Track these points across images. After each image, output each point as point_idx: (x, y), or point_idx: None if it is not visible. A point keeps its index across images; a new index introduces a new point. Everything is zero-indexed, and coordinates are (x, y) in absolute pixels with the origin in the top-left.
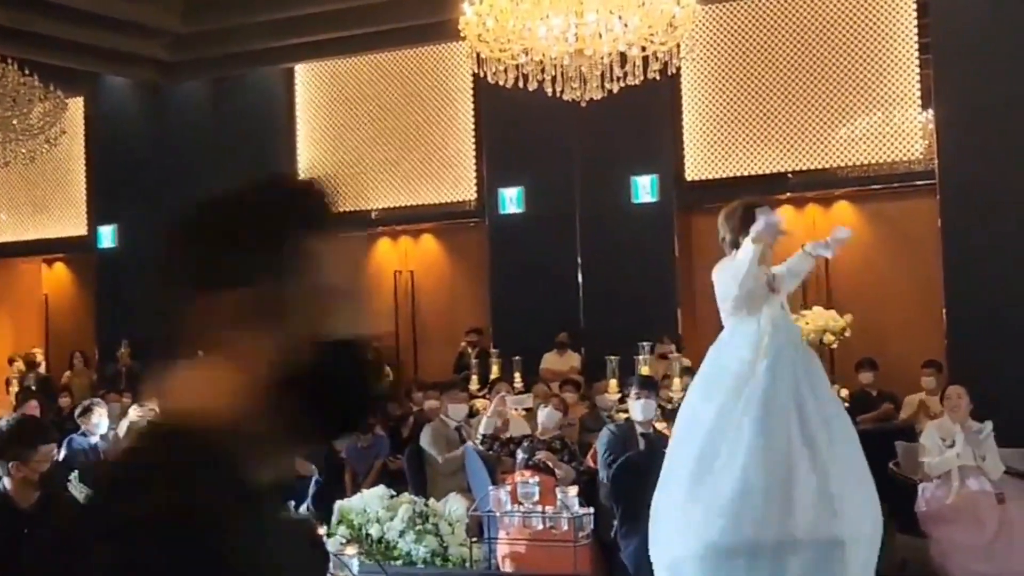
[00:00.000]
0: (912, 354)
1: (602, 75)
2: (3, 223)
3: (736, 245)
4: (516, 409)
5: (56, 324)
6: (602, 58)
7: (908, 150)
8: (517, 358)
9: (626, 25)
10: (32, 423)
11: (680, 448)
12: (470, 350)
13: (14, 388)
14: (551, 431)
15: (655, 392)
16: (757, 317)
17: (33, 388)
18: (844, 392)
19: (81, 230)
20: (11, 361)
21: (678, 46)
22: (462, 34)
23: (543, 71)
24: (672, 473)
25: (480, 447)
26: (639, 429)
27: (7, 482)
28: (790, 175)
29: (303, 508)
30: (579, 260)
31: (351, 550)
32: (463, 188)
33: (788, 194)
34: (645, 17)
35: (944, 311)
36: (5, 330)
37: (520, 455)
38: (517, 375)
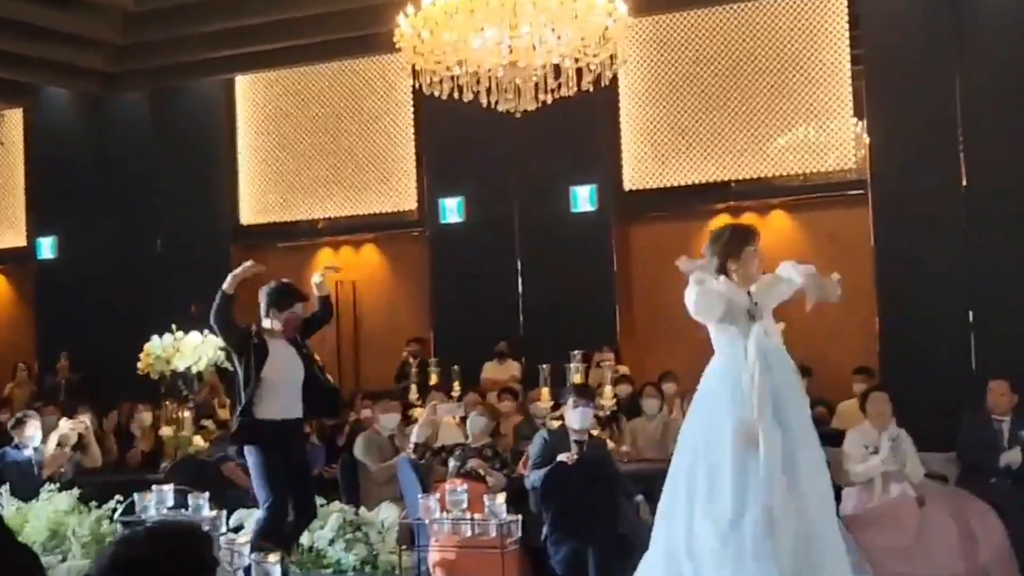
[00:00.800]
0: (845, 361)
1: (536, 87)
2: None
3: (723, 270)
4: (453, 416)
5: None
6: (536, 70)
7: (841, 160)
8: (456, 367)
9: (559, 37)
10: None
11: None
12: (411, 359)
13: None
14: (481, 438)
15: (592, 400)
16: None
17: None
18: None
19: (20, 241)
20: None
21: (612, 58)
22: (397, 46)
23: (478, 82)
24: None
25: (412, 455)
26: (573, 436)
27: None
28: (727, 185)
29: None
30: (519, 269)
31: (273, 558)
32: (404, 198)
33: (725, 203)
34: (578, 30)
35: (876, 319)
36: None
37: (452, 463)
38: (456, 384)
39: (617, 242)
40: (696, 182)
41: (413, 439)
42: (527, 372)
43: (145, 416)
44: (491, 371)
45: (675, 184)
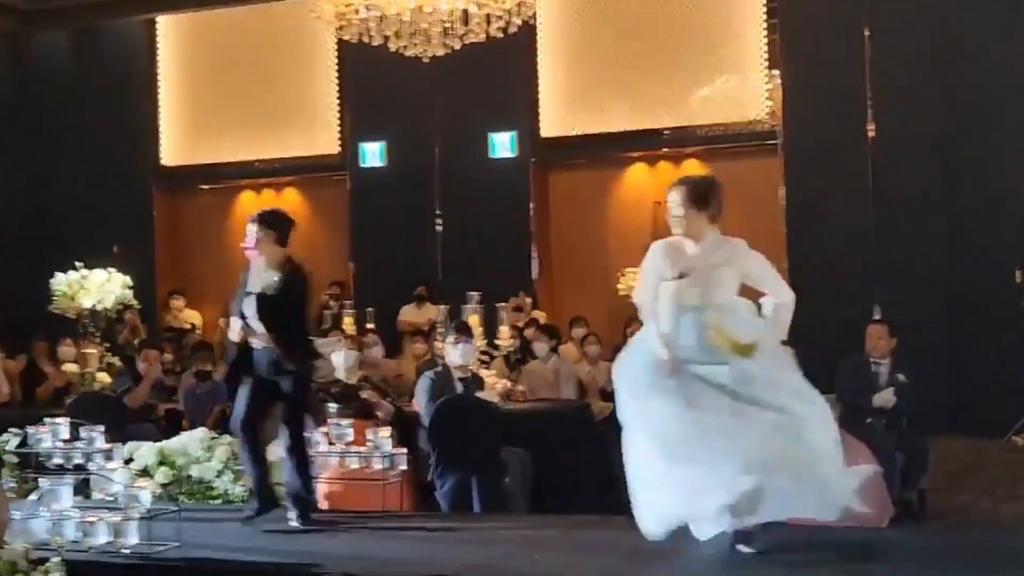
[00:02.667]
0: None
1: (445, 32)
2: None
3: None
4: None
5: None
6: (443, 16)
7: (755, 111)
8: (369, 310)
9: None
10: None
11: None
12: (332, 303)
13: None
14: (353, 373)
15: (471, 337)
16: None
17: None
18: None
19: None
20: None
21: (519, 5)
22: None
23: (386, 27)
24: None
25: None
26: (456, 374)
27: None
28: (644, 133)
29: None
30: (439, 214)
31: (142, 483)
32: (326, 142)
33: (639, 152)
34: None
35: (786, 266)
36: None
37: (332, 407)
38: (372, 326)
39: (535, 188)
40: (613, 131)
41: None
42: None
43: (69, 350)
44: (409, 314)
45: (592, 132)
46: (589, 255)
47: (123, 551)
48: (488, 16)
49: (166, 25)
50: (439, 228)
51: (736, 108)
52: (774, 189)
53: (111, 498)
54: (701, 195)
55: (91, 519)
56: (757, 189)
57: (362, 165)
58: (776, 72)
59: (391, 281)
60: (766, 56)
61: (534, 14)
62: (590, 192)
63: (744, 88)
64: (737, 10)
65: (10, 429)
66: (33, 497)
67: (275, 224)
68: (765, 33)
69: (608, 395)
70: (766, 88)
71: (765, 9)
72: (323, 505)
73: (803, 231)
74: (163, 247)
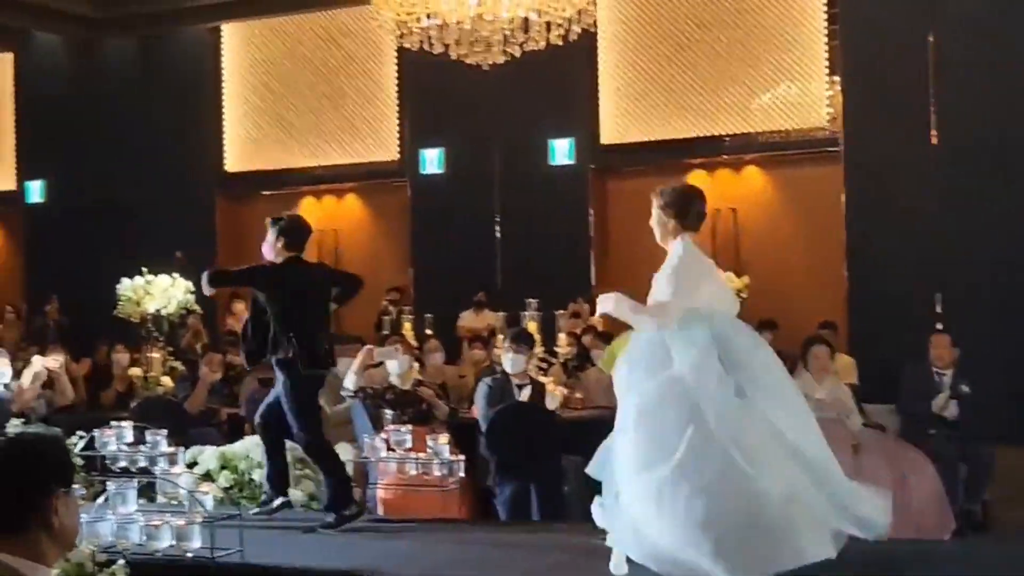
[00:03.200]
0: (813, 315)
1: (504, 40)
2: None
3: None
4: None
5: None
6: (503, 24)
7: (816, 118)
8: (429, 315)
9: None
10: None
11: None
12: (391, 308)
13: None
14: (408, 379)
15: (527, 346)
16: None
17: None
18: None
19: (10, 185)
20: None
21: (580, 12)
22: None
23: (447, 35)
24: None
25: (349, 400)
26: (515, 381)
27: None
28: (703, 140)
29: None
30: (498, 220)
31: (206, 488)
32: (386, 148)
33: (699, 159)
34: None
35: (845, 273)
36: None
37: (388, 414)
38: (430, 332)
39: (594, 195)
40: (672, 137)
41: (348, 386)
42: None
43: (123, 357)
44: (468, 320)
45: (651, 139)
46: (647, 262)
47: (186, 555)
48: (548, 24)
49: (230, 33)
50: (498, 234)
51: (797, 115)
52: (835, 196)
53: (175, 502)
54: (668, 204)
55: (156, 523)
56: (818, 196)
57: (422, 172)
58: (837, 78)
59: (450, 287)
60: (827, 62)
61: (594, 21)
62: (648, 199)
63: (805, 95)
64: (798, 16)
65: (77, 432)
66: (99, 500)
67: (285, 230)
68: (826, 39)
69: None
70: (827, 95)
71: (827, 15)
72: (381, 511)
73: (864, 239)
74: (225, 252)
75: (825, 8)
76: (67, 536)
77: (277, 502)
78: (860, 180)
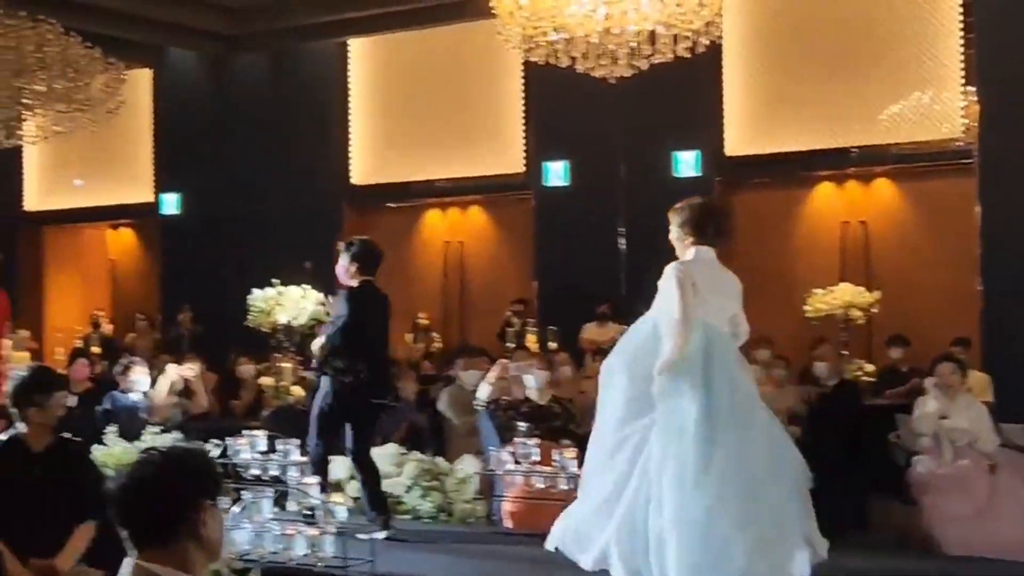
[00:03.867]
0: (945, 331)
1: (631, 53)
2: (76, 190)
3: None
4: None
5: (122, 288)
6: (630, 37)
7: (950, 129)
8: (552, 327)
9: (659, 2)
10: (47, 373)
11: None
12: (515, 320)
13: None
14: (545, 393)
15: None
16: None
17: (92, 348)
18: (871, 367)
19: (147, 197)
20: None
21: (707, 24)
22: (493, 11)
23: (573, 48)
24: None
25: (483, 411)
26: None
27: (22, 426)
28: (831, 152)
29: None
30: (622, 232)
31: (339, 498)
32: (511, 161)
33: (827, 171)
34: None
35: (980, 288)
36: (74, 293)
37: (522, 427)
38: (554, 344)
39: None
40: (799, 149)
41: (481, 396)
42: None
43: (247, 368)
44: (591, 332)
45: (778, 151)
46: (774, 275)
47: (319, 564)
48: (675, 36)
49: (358, 48)
50: (622, 246)
51: (930, 125)
52: (969, 209)
53: (308, 512)
54: (685, 221)
55: (290, 532)
56: (951, 209)
57: (546, 184)
58: (972, 88)
59: (574, 299)
60: (962, 72)
61: (721, 33)
62: (776, 211)
63: (938, 105)
64: (931, 24)
65: (211, 440)
66: (236, 508)
67: (358, 255)
68: (961, 48)
69: (794, 418)
70: (961, 105)
71: (962, 23)
72: (508, 524)
73: (999, 253)
74: None
75: (960, 16)
76: (213, 547)
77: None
78: (995, 193)
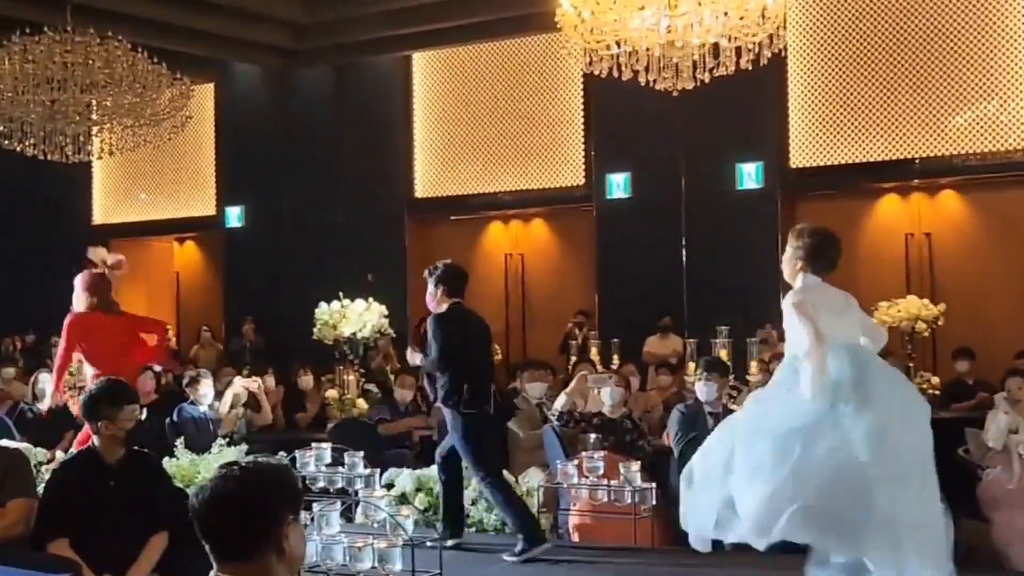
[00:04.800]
0: (1013, 344)
1: (694, 65)
2: (142, 203)
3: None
4: (595, 390)
5: (186, 300)
6: (694, 50)
7: (1015, 140)
8: (615, 340)
9: (722, 15)
10: (118, 386)
11: None
12: (577, 332)
13: None
14: (618, 408)
15: (720, 374)
16: None
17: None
18: (936, 380)
19: (210, 210)
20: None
21: (771, 37)
22: (558, 25)
23: (636, 61)
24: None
25: (556, 422)
26: (707, 409)
27: (96, 440)
28: (896, 164)
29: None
30: (684, 245)
31: (406, 511)
32: (572, 173)
33: (892, 183)
34: (737, 9)
35: None
36: (139, 305)
37: (592, 438)
38: (616, 357)
39: (783, 219)
40: (863, 160)
41: (557, 406)
42: (689, 347)
43: (307, 379)
44: (653, 345)
45: (842, 162)
46: (839, 288)
47: None
48: (738, 49)
49: (420, 61)
50: (684, 259)
51: (995, 136)
52: None
53: (376, 524)
54: (804, 247)
55: (359, 544)
56: (1016, 220)
57: (608, 196)
58: None
59: (636, 311)
60: None
61: (785, 45)
62: (840, 223)
63: (1005, 115)
64: (997, 34)
65: (278, 453)
66: (305, 521)
67: (443, 279)
68: None
69: None
70: None
71: None
72: (575, 537)
73: None
74: (415, 275)
75: None
76: (295, 562)
77: (449, 543)
78: None
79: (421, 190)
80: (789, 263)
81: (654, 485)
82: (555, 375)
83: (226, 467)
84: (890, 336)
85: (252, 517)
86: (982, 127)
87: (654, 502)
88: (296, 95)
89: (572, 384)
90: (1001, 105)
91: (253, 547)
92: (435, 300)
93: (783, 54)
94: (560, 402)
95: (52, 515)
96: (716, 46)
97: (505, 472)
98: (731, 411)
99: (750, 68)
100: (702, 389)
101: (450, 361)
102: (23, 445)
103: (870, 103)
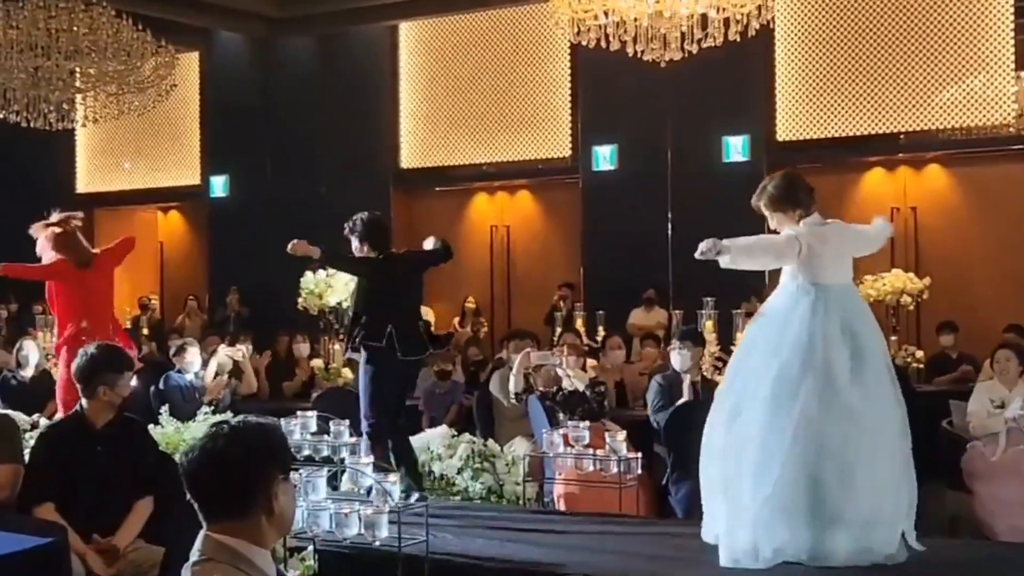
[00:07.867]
0: (998, 318)
1: (682, 36)
2: (126, 172)
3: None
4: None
5: (170, 270)
6: (682, 20)
7: (1000, 115)
8: (600, 312)
9: None
10: (119, 352)
11: None
12: (562, 304)
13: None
14: (580, 379)
15: (694, 343)
16: None
17: (142, 330)
18: (920, 354)
19: (195, 179)
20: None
21: (759, 8)
22: None
23: (624, 32)
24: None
25: (512, 402)
26: (686, 379)
27: (85, 402)
28: (882, 138)
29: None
30: (669, 217)
31: (392, 477)
32: (558, 145)
33: (878, 156)
34: None
35: None
36: (124, 276)
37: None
38: (601, 328)
39: None
40: (849, 134)
41: (514, 389)
42: (672, 319)
43: (304, 347)
44: (638, 317)
45: (828, 136)
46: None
47: (374, 544)
48: (727, 20)
49: (407, 30)
50: (670, 231)
51: (980, 111)
52: (1019, 195)
53: (362, 491)
54: (781, 197)
55: (345, 511)
56: (1002, 195)
57: (594, 168)
58: None
59: (621, 283)
60: (1013, 57)
61: (773, 17)
62: (826, 197)
63: (989, 90)
64: (982, 9)
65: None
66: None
67: (364, 234)
68: (1012, 32)
69: None
70: (1013, 90)
71: (1013, 7)
72: (560, 506)
73: None
74: (400, 246)
75: (1012, 1)
76: (285, 521)
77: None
78: None
79: (407, 161)
80: (783, 223)
81: (640, 455)
82: (540, 346)
83: (216, 426)
84: (875, 310)
85: (242, 474)
86: (968, 102)
87: (639, 471)
88: (281, 64)
89: (516, 364)
90: (986, 80)
91: (243, 505)
92: (361, 255)
93: (771, 26)
94: (512, 384)
95: (38, 479)
96: (704, 17)
97: (491, 441)
98: (711, 382)
99: (738, 40)
100: (676, 358)
101: (374, 304)
102: (8, 412)
103: (856, 77)
